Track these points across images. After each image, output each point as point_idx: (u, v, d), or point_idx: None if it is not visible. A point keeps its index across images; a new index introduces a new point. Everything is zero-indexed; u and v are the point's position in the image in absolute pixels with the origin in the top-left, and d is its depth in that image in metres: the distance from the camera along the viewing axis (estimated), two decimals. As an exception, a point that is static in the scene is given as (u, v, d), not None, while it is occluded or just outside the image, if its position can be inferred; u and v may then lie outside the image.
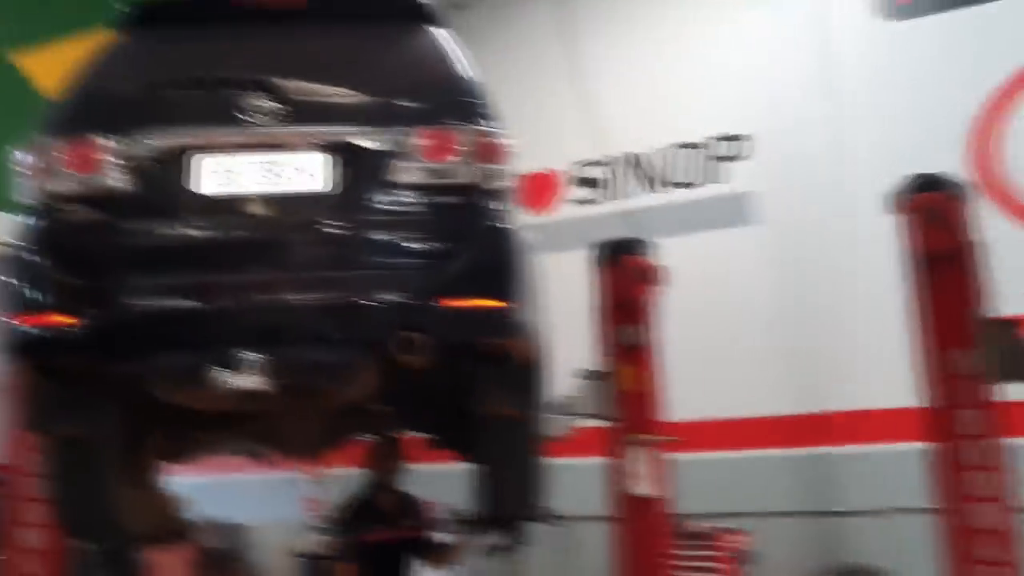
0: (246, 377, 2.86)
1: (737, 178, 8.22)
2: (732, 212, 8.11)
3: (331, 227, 3.05)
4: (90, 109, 3.17)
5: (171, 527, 4.22)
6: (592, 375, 5.22)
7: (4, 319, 2.99)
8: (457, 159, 3.09)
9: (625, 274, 5.13)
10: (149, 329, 2.99)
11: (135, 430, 3.57)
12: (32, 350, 2.99)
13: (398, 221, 3.07)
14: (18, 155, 3.12)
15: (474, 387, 3.35)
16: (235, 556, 8.30)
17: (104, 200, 3.06)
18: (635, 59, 8.71)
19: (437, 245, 3.06)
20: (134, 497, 3.67)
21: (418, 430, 4.38)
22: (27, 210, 3.09)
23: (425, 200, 3.08)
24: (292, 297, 2.99)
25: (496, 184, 3.17)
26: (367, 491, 6.09)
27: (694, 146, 8.45)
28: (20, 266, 3.03)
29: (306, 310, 2.98)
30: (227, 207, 3.06)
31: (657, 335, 5.30)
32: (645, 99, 8.56)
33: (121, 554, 4.00)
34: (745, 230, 8.02)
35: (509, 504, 3.67)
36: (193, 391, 3.01)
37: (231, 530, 8.26)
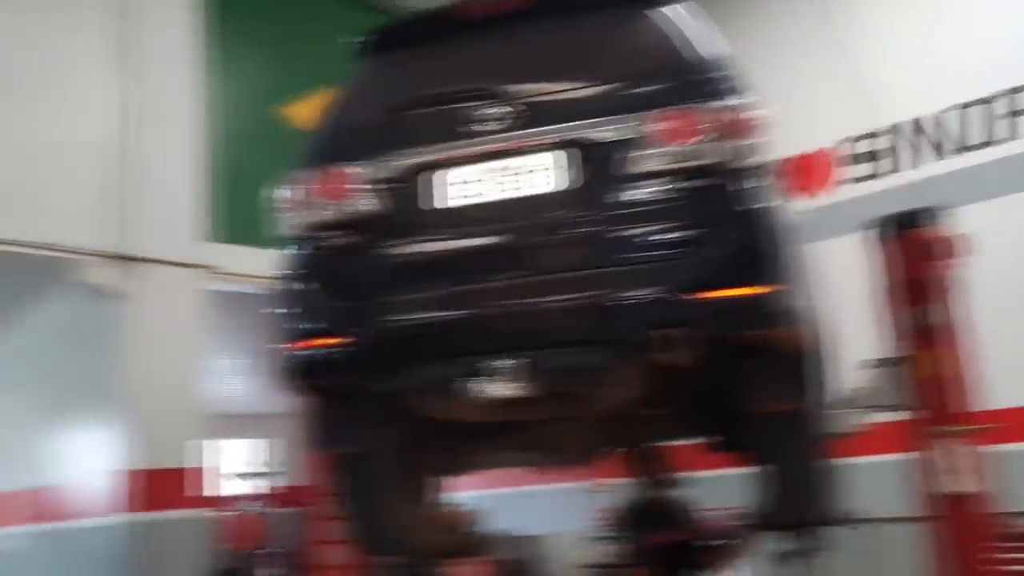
0: (501, 385, 2.81)
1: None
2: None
3: (573, 225, 2.95)
4: (337, 140, 3.28)
5: (460, 541, 4.26)
6: (885, 363, 4.73)
7: (281, 347, 3.13)
8: (699, 139, 2.89)
9: (914, 248, 4.62)
10: (407, 343, 3.02)
11: (410, 445, 3.63)
12: (307, 372, 3.11)
13: (643, 212, 2.92)
14: (278, 192, 3.27)
15: (744, 383, 3.12)
16: (531, 568, 8.39)
17: (357, 223, 3.16)
18: (901, 18, 7.99)
19: (687, 233, 2.87)
20: (415, 511, 3.73)
21: (692, 434, 4.18)
22: (290, 242, 3.24)
23: (670, 187, 2.91)
24: (540, 301, 2.91)
25: (747, 161, 2.93)
26: (643, 496, 5.91)
27: (982, 102, 7.60)
28: (288, 295, 3.17)
29: (555, 313, 2.89)
30: (470, 217, 3.05)
31: (960, 313, 4.73)
32: (917, 60, 7.83)
33: (419, 569, 4.11)
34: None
35: (795, 506, 3.38)
36: (452, 402, 3.00)
37: (525, 542, 8.36)
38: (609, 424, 3.92)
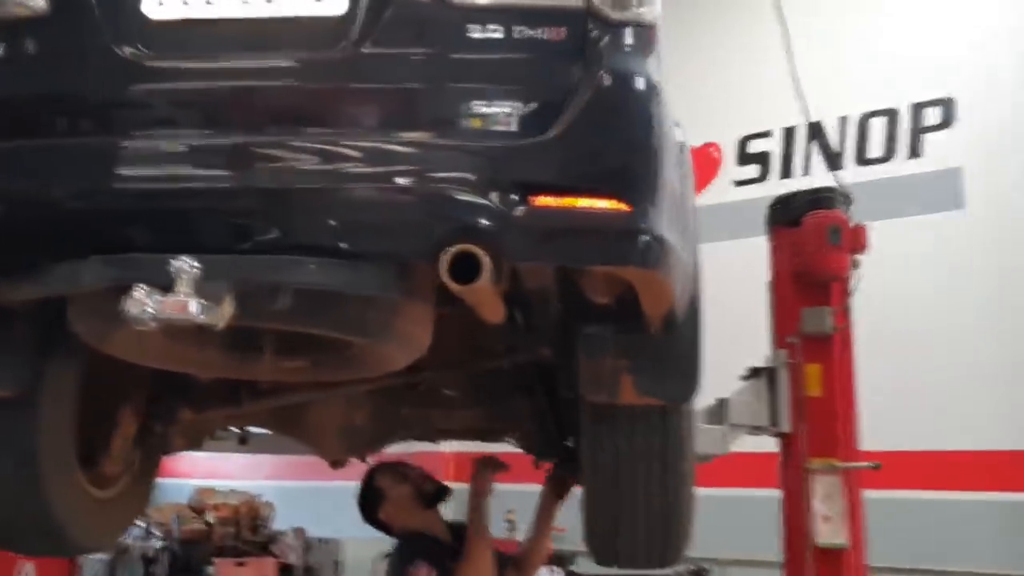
0: (182, 299, 1.67)
1: (942, 151, 6.63)
2: (937, 192, 6.53)
3: (349, 71, 1.86)
4: None
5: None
6: (760, 374, 3.81)
7: None
8: None
9: (813, 236, 3.72)
10: (39, 221, 1.87)
11: (97, 392, 2.49)
12: None
13: (459, 64, 1.86)
14: None
15: (579, 353, 2.10)
16: (317, 573, 7.26)
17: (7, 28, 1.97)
18: (817, 17, 7.23)
19: (522, 104, 1.82)
20: (85, 492, 2.56)
21: (492, 432, 3.18)
22: None
23: (512, 32, 1.86)
24: (273, 176, 1.81)
25: (628, 15, 1.90)
26: None
27: (888, 113, 6.90)
28: None
29: (297, 199, 1.79)
30: (184, 38, 1.93)
31: (851, 325, 3.86)
32: (827, 58, 7.05)
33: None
34: (951, 215, 6.46)
35: (631, 548, 2.40)
36: (106, 323, 1.88)
37: (319, 545, 7.22)
38: (381, 401, 2.89)
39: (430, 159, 1.80)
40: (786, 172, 7.26)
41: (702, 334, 2.23)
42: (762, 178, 7.36)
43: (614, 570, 2.70)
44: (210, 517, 7.33)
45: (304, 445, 3.21)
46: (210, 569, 6.71)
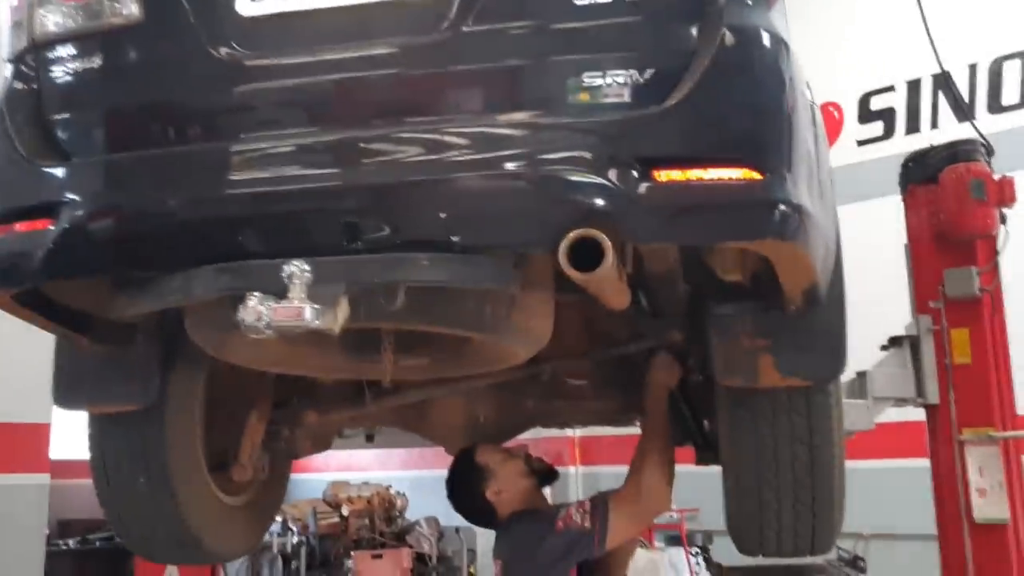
0: (296, 306, 1.62)
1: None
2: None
3: (451, 53, 1.77)
4: None
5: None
6: (902, 343, 3.58)
7: None
8: None
9: (954, 191, 3.46)
10: (148, 233, 1.84)
11: (222, 401, 2.50)
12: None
13: (565, 34, 1.74)
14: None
15: (713, 335, 1.97)
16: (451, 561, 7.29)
17: (102, 38, 1.95)
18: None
19: (637, 72, 1.70)
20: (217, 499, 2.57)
21: (627, 414, 3.04)
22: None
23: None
24: (380, 171, 1.73)
25: None
26: None
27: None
28: None
29: (405, 193, 1.72)
30: (280, 33, 1.87)
31: (1000, 285, 3.59)
32: (949, 2, 6.64)
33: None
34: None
35: (778, 538, 2.27)
36: (223, 333, 1.85)
37: (453, 534, 7.24)
38: (506, 393, 2.81)
39: (541, 140, 1.69)
40: (912, 127, 6.88)
41: (845, 307, 2.06)
42: (887, 135, 7.00)
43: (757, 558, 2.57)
44: (345, 511, 7.44)
45: (430, 441, 3.16)
46: (348, 562, 6.79)
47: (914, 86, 6.89)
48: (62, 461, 6.05)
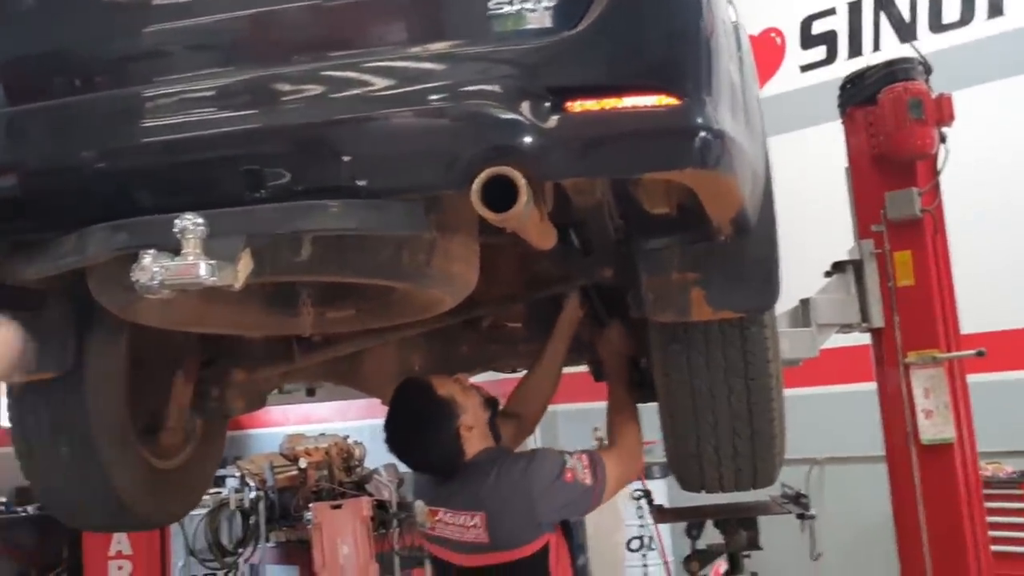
0: (190, 262, 1.52)
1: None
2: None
3: None
4: None
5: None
6: (845, 268, 3.55)
7: None
8: None
9: (892, 112, 3.41)
10: (57, 191, 1.73)
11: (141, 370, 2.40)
12: None
13: None
14: None
15: (647, 269, 1.91)
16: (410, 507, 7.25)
17: None
18: None
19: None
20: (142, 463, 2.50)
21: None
22: None
23: None
24: (277, 112, 1.63)
25: None
26: None
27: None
28: None
29: (306, 134, 1.61)
30: None
31: (942, 206, 3.56)
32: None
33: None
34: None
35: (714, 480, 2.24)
36: (123, 294, 1.75)
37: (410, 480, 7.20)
38: (433, 341, 2.75)
39: (446, 73, 1.59)
40: (855, 50, 6.80)
41: (777, 235, 2.00)
42: (830, 60, 6.92)
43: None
44: (303, 463, 7.36)
45: (365, 393, 3.09)
46: (308, 514, 6.74)
47: (855, 8, 6.81)
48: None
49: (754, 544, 3.76)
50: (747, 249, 1.91)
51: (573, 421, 6.45)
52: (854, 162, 3.60)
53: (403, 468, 7.26)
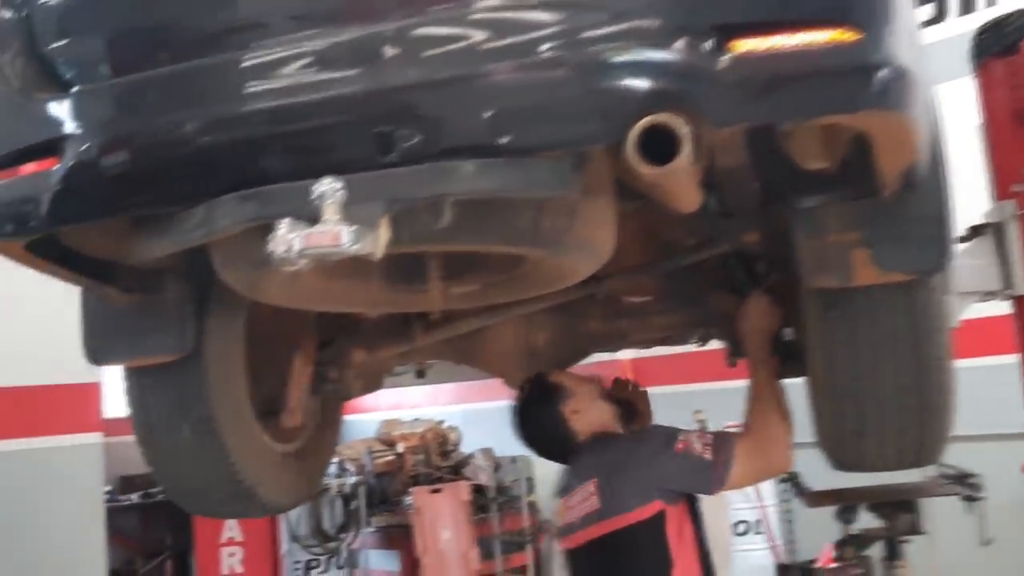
0: (332, 228, 1.42)
1: None
2: None
3: None
4: None
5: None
6: (983, 231, 3.31)
7: None
8: None
9: (1031, 62, 3.16)
10: (174, 165, 1.64)
11: (259, 346, 2.35)
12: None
13: None
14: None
15: (803, 230, 1.76)
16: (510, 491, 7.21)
17: None
18: None
19: None
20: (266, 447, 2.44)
21: (704, 330, 2.84)
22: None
23: None
24: (404, 73, 1.52)
25: None
26: None
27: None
28: None
29: (436, 95, 1.50)
30: None
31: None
32: None
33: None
34: None
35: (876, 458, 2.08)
36: (252, 269, 1.66)
37: (510, 464, 7.14)
38: (559, 317, 2.63)
39: (596, 13, 1.46)
40: (967, 7, 6.45)
41: (948, 188, 1.82)
42: (938, 18, 6.57)
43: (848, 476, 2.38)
44: (400, 448, 7.37)
45: (487, 373, 2.98)
46: (407, 499, 6.73)
47: (966, -39, 6.46)
48: (118, 419, 6.01)
49: (916, 529, 3.54)
50: (918, 204, 1.74)
51: (670, 407, 6.29)
52: (992, 117, 3.35)
53: (499, 452, 7.27)
